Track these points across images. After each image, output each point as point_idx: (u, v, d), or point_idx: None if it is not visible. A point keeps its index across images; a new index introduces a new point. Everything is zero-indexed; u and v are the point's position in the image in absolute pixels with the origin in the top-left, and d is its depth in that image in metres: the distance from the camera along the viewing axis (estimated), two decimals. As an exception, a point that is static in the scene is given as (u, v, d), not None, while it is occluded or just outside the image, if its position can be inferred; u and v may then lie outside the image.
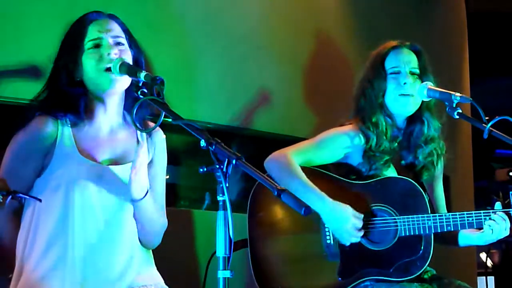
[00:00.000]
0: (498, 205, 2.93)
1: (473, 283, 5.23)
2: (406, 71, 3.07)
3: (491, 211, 2.92)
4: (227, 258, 2.07)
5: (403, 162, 3.13)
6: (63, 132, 2.51)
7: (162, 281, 2.61)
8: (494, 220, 2.89)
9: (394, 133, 3.09)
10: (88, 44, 2.52)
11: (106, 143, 2.56)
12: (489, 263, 7.70)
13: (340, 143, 3.07)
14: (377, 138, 3.02)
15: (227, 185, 2.07)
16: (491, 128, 2.76)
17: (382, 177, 3.01)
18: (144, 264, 2.57)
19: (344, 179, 3.04)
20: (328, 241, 2.97)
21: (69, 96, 2.52)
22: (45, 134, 2.51)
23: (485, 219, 2.91)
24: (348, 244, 2.93)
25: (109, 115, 2.58)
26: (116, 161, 2.54)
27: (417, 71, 3.08)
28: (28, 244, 2.47)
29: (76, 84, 2.53)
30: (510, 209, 2.91)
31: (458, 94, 2.88)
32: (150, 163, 2.63)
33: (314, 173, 3.02)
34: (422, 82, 3.05)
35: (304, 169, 3.00)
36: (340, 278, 2.94)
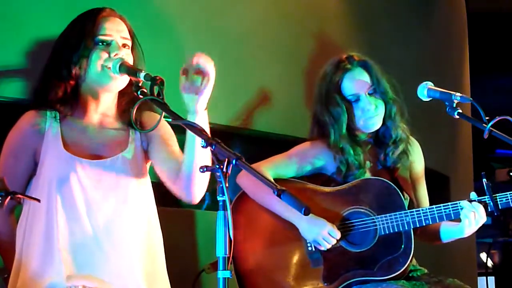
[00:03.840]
0: (473, 194, 2.94)
1: (473, 283, 5.23)
2: (365, 95, 3.06)
3: (465, 200, 2.92)
4: (227, 258, 2.07)
5: (378, 161, 3.13)
6: (51, 127, 2.53)
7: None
8: (467, 208, 2.89)
9: (362, 146, 3.09)
10: (98, 38, 2.53)
11: (94, 138, 2.56)
12: (489, 263, 7.71)
13: (311, 157, 3.09)
14: (347, 165, 3.02)
15: (227, 185, 2.08)
16: (491, 128, 2.76)
17: (355, 180, 3.02)
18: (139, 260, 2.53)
19: (318, 187, 3.05)
20: (310, 248, 2.99)
21: (64, 88, 2.53)
22: (34, 130, 2.52)
23: (461, 208, 2.91)
24: (325, 249, 2.94)
25: (101, 112, 2.58)
26: (102, 156, 2.53)
27: (373, 88, 3.07)
28: (25, 243, 2.47)
29: (73, 77, 2.53)
30: (485, 197, 2.91)
31: (458, 94, 2.87)
32: (151, 145, 2.61)
33: (289, 182, 3.04)
34: (378, 93, 3.05)
35: (276, 179, 3.02)
36: (325, 283, 2.95)
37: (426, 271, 3.07)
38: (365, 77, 3.08)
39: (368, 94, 3.06)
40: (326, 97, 3.09)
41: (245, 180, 3.03)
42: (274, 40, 3.91)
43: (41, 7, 3.05)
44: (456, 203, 2.93)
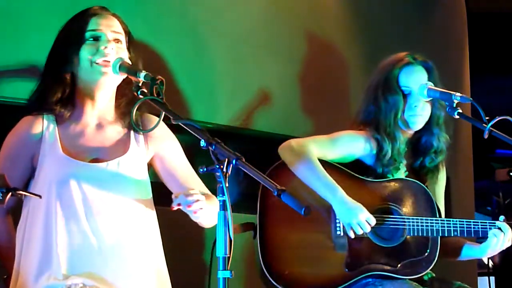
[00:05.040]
0: (502, 217, 2.98)
1: (474, 283, 5.23)
2: (417, 92, 3.07)
3: (496, 221, 2.96)
4: (227, 258, 2.07)
5: (413, 165, 3.15)
6: (48, 130, 2.52)
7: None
8: (499, 228, 2.93)
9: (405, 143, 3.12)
10: (87, 34, 2.53)
11: (93, 140, 2.55)
12: (489, 263, 7.69)
13: (355, 145, 3.11)
14: (391, 150, 3.04)
15: (227, 185, 2.07)
16: (491, 128, 2.76)
17: (394, 178, 3.06)
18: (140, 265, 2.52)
19: (359, 176, 3.07)
20: (338, 232, 3.00)
21: (63, 89, 2.53)
22: (31, 135, 2.51)
23: (490, 228, 2.94)
24: (353, 236, 2.95)
25: (98, 112, 2.57)
26: (101, 159, 2.53)
27: None
28: (24, 245, 2.47)
29: (69, 77, 2.53)
30: None
31: (458, 94, 2.88)
32: (159, 157, 2.61)
33: (331, 166, 3.06)
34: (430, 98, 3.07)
35: (321, 162, 3.03)
36: (347, 270, 2.96)
37: (434, 275, 3.09)
38: (423, 76, 3.10)
39: None
40: (385, 84, 3.10)
41: (287, 152, 3.04)
42: (274, 40, 3.91)
43: (41, 7, 3.05)
44: (486, 222, 2.96)
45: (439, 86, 3.07)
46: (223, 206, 2.09)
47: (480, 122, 2.80)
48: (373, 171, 3.09)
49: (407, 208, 3.00)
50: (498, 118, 2.77)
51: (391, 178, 3.06)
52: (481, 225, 2.97)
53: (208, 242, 3.48)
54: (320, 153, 3.06)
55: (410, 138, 3.14)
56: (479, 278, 5.76)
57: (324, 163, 3.04)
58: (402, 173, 3.10)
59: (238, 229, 3.26)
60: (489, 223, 2.97)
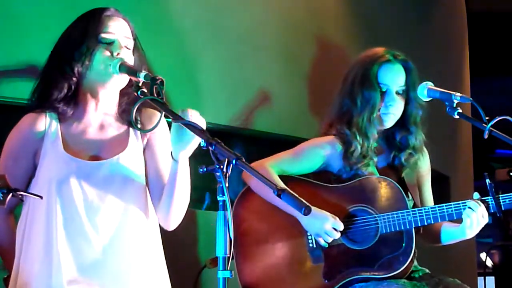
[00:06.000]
0: (476, 195, 2.94)
1: (473, 283, 5.24)
2: (393, 91, 3.06)
3: (468, 200, 2.93)
4: (227, 258, 2.07)
5: (384, 163, 3.13)
6: (51, 128, 2.52)
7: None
8: (470, 207, 2.90)
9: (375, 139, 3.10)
10: (101, 36, 2.52)
11: (94, 139, 2.54)
12: (489, 263, 7.71)
13: (317, 155, 3.08)
14: (361, 147, 3.03)
15: (227, 185, 2.07)
16: (491, 128, 2.76)
17: (359, 178, 3.03)
18: (140, 265, 2.52)
19: (322, 184, 3.06)
20: (311, 245, 2.99)
21: (68, 86, 2.52)
22: (33, 132, 2.51)
23: (464, 208, 2.91)
24: (327, 245, 2.95)
25: (100, 111, 2.57)
26: (102, 157, 2.52)
27: (404, 89, 3.07)
28: (24, 244, 2.47)
29: (76, 75, 2.53)
30: (488, 197, 2.91)
31: (458, 94, 2.88)
32: (150, 146, 2.60)
33: (294, 180, 3.05)
34: (405, 95, 3.06)
35: (282, 176, 3.03)
36: (326, 280, 2.96)
37: (427, 271, 3.07)
38: (402, 75, 3.08)
39: (396, 92, 3.07)
40: (362, 79, 3.07)
41: (247, 176, 3.03)
42: (274, 40, 3.91)
43: (41, 7, 3.05)
44: (459, 203, 2.93)
45: (418, 86, 3.05)
46: (223, 206, 2.09)
47: (480, 122, 2.79)
48: (339, 177, 3.07)
49: (376, 206, 2.97)
50: (498, 118, 2.76)
51: (356, 179, 3.02)
52: (454, 207, 2.93)
53: (204, 241, 3.49)
54: (283, 169, 3.06)
55: (382, 134, 3.12)
56: (478, 278, 5.77)
57: (286, 178, 3.02)
58: (372, 169, 3.08)
59: (213, 263, 3.27)
60: (462, 204, 2.91)
